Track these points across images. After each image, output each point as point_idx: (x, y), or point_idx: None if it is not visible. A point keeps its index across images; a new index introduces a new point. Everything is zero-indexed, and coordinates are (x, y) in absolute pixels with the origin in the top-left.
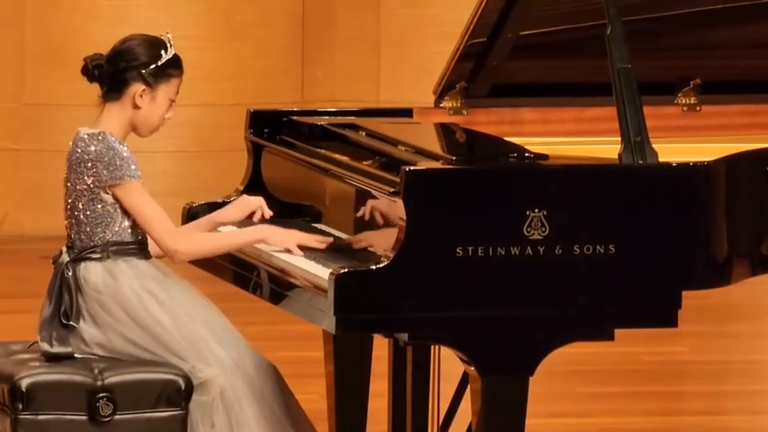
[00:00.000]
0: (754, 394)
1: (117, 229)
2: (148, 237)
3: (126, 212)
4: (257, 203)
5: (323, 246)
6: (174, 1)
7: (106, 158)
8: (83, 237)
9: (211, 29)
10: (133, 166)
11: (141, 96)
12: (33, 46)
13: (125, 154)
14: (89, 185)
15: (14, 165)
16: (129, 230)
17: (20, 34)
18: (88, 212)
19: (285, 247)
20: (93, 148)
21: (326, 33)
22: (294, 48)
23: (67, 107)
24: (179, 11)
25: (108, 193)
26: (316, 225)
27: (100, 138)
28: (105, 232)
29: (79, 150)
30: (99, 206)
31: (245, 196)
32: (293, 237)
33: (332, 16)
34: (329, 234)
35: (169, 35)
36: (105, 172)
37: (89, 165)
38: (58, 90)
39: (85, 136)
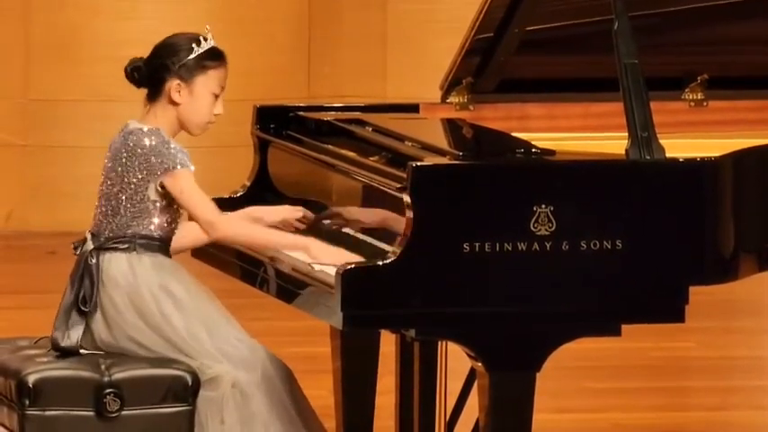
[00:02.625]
0: (761, 390)
1: (151, 225)
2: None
3: (164, 210)
4: (293, 214)
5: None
6: None
7: (161, 150)
8: (114, 227)
9: (217, 25)
10: (187, 158)
11: (178, 92)
12: (39, 42)
13: (178, 147)
14: (139, 179)
15: (20, 161)
16: (161, 228)
17: (25, 30)
18: (129, 205)
19: (326, 263)
20: (147, 142)
21: (333, 29)
22: (301, 43)
23: (73, 102)
24: (185, 7)
25: (156, 189)
26: (324, 222)
27: (155, 133)
28: (140, 226)
29: (131, 143)
30: (141, 202)
31: (287, 207)
32: (337, 255)
33: (338, 12)
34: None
35: (208, 28)
36: (158, 163)
37: (142, 158)
38: (63, 86)
39: (142, 129)
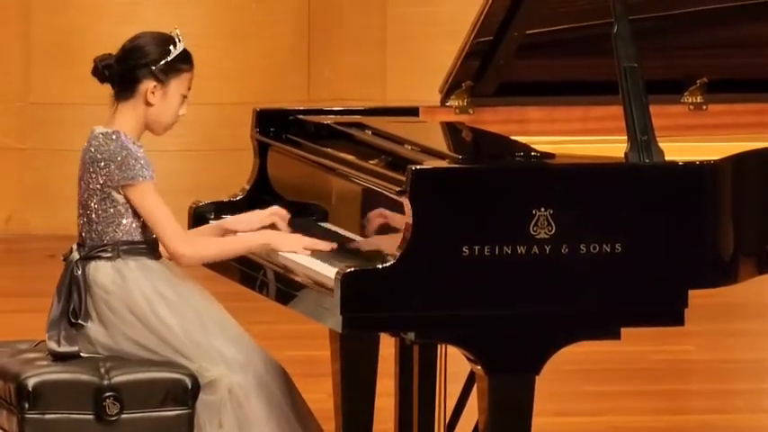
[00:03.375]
0: (761, 393)
1: (128, 228)
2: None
3: (136, 212)
4: (269, 219)
5: (328, 249)
6: (181, 0)
7: (119, 158)
8: (93, 235)
9: (218, 28)
10: (146, 167)
11: (153, 93)
12: (40, 45)
13: (138, 154)
14: (101, 185)
15: (21, 164)
16: (140, 230)
17: (26, 33)
18: (100, 211)
19: (291, 251)
20: (106, 148)
21: (333, 32)
22: (300, 46)
23: (74, 106)
24: (186, 10)
25: (120, 193)
26: (322, 224)
27: (114, 137)
28: (116, 231)
29: (93, 149)
30: (110, 205)
31: (257, 211)
32: (298, 241)
33: (338, 15)
34: (335, 233)
35: (177, 30)
36: (117, 172)
37: (102, 164)
38: (64, 89)
39: (100, 135)
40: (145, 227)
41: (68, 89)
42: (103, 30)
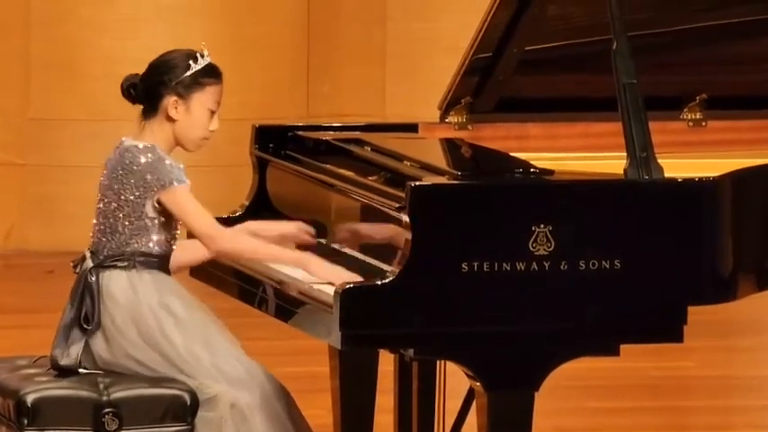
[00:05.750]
0: (761, 409)
1: (150, 242)
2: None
3: (162, 226)
4: (292, 231)
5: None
6: (181, 15)
7: (158, 167)
8: (113, 245)
9: (217, 43)
10: (182, 174)
11: (175, 108)
12: (39, 60)
13: (173, 164)
14: (136, 196)
15: (20, 179)
16: (160, 245)
17: (26, 48)
18: (127, 223)
19: (324, 280)
20: (143, 159)
21: (332, 47)
22: (300, 62)
23: (73, 122)
24: (185, 25)
25: (154, 206)
26: (321, 240)
27: (151, 149)
28: (139, 244)
29: (127, 161)
30: (139, 219)
31: (286, 222)
32: (337, 274)
33: (338, 30)
34: (337, 250)
35: (204, 45)
36: (154, 180)
37: (137, 176)
38: (63, 104)
39: (137, 146)
40: (167, 241)
41: (68, 104)
42: (104, 45)
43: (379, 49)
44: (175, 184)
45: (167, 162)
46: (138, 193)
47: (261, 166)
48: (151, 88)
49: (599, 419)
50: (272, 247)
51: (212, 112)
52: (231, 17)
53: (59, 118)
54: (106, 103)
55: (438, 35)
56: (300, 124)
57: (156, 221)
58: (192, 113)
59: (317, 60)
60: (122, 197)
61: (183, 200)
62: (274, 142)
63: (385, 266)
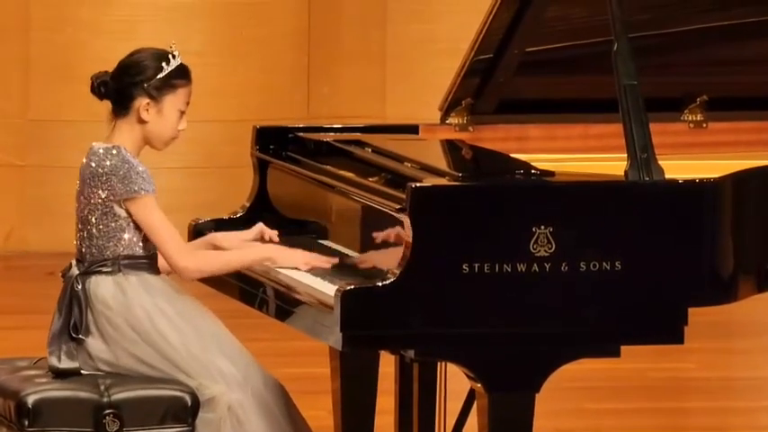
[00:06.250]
0: (760, 410)
1: (129, 243)
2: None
3: (138, 226)
4: (256, 236)
5: (328, 265)
6: (180, 16)
7: (121, 172)
8: (94, 251)
9: (217, 44)
10: (147, 181)
11: (147, 110)
12: (39, 61)
13: (140, 168)
14: (103, 199)
15: (20, 181)
16: (141, 245)
17: (25, 50)
18: (101, 226)
19: (293, 266)
20: (108, 162)
21: (332, 49)
22: (300, 64)
23: (73, 123)
24: (185, 26)
25: (122, 207)
26: (322, 242)
27: (114, 152)
28: (117, 246)
29: (93, 164)
30: (112, 220)
31: (245, 231)
32: (300, 256)
33: (338, 32)
34: (335, 251)
35: (174, 45)
36: (120, 186)
37: (103, 179)
38: (63, 106)
39: (100, 150)
40: (146, 241)
41: (67, 106)
42: (102, 46)
43: (379, 51)
44: (142, 193)
45: (134, 166)
46: (104, 195)
47: (261, 168)
48: (122, 89)
49: (599, 420)
50: (238, 254)
51: (182, 113)
52: (231, 19)
53: (59, 119)
54: (106, 104)
55: (438, 37)
56: (301, 126)
57: (131, 221)
58: (164, 115)
59: (317, 62)
60: (92, 201)
61: (149, 211)
62: (275, 143)
63: (386, 268)
